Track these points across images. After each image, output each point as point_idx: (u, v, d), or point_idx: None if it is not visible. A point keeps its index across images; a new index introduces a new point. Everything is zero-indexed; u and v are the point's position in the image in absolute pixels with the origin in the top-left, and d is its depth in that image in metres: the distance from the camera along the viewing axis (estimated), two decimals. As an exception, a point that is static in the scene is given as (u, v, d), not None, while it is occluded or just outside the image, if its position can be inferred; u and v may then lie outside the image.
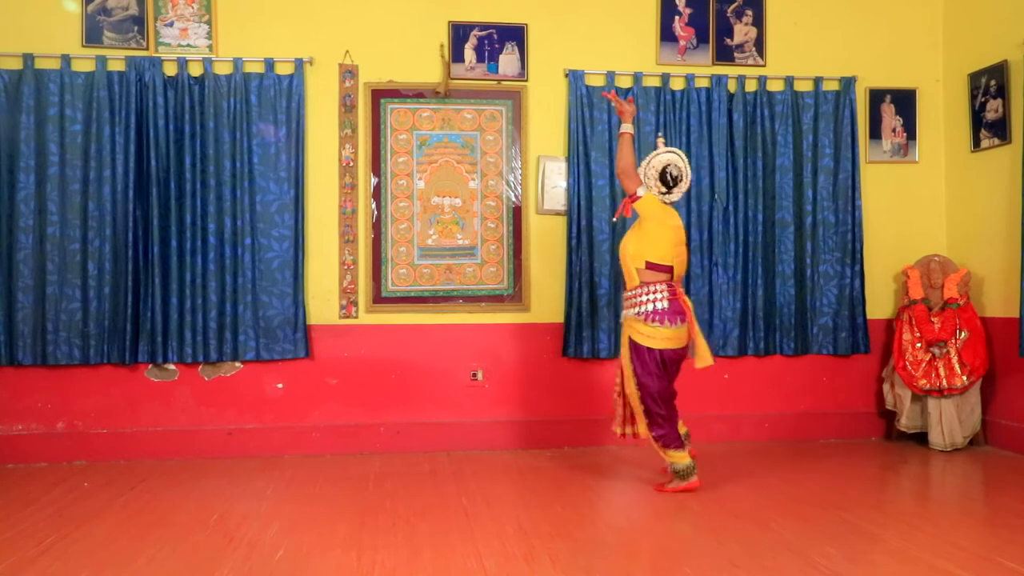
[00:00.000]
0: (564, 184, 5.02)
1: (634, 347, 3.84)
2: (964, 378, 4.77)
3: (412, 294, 4.93)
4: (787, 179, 5.16)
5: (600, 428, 5.01)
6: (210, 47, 4.79)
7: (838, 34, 5.27)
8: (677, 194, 3.93)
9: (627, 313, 3.87)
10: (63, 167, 4.62)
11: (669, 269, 3.83)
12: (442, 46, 4.95)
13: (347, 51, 4.91)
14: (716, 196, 5.07)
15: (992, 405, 4.93)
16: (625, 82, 5.06)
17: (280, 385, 4.83)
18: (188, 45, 4.78)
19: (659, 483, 3.99)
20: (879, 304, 5.29)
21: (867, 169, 5.27)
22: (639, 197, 3.82)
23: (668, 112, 5.04)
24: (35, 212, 4.59)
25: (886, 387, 5.12)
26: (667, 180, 3.86)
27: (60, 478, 4.24)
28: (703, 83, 5.12)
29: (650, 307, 3.78)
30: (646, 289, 3.81)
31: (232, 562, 2.93)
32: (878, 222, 5.28)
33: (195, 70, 4.77)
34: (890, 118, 5.31)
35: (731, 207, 5.09)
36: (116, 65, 4.68)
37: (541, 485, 4.07)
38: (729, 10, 5.17)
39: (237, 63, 4.75)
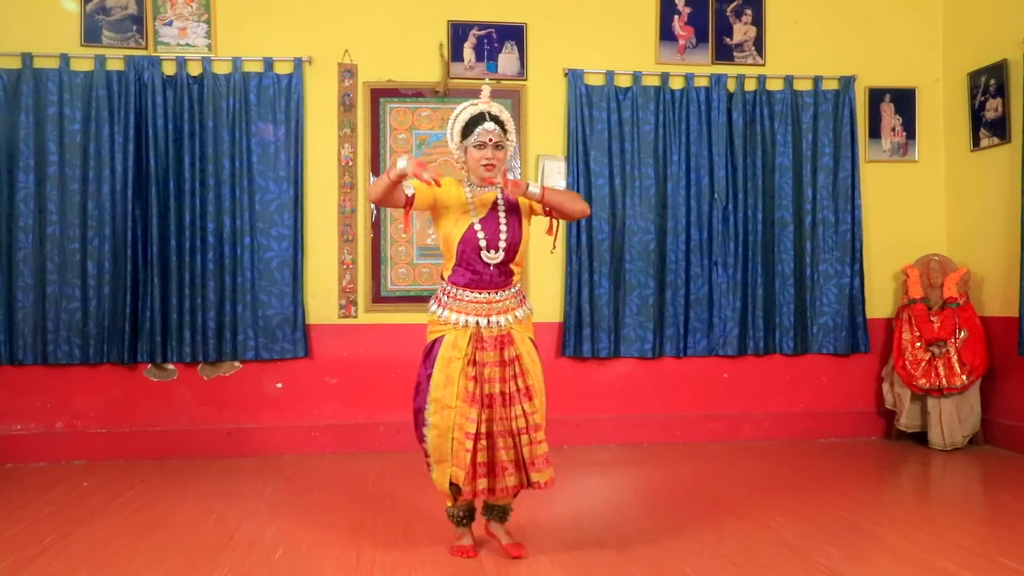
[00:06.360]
0: (563, 183, 5.01)
1: (537, 352, 3.02)
2: (963, 377, 4.77)
3: (412, 293, 4.92)
4: (787, 178, 5.15)
5: (599, 427, 5.01)
6: (209, 46, 4.78)
7: (837, 33, 5.27)
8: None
9: (517, 315, 2.95)
10: (62, 166, 4.61)
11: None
12: (441, 45, 4.94)
13: (346, 50, 4.90)
14: (716, 195, 5.06)
15: (992, 404, 4.93)
16: (624, 81, 5.06)
17: (279, 385, 4.82)
18: (187, 44, 4.78)
19: (516, 543, 3.02)
20: (879, 303, 5.29)
21: (867, 168, 5.26)
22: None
23: (667, 111, 5.03)
24: (35, 212, 4.58)
25: (886, 386, 5.12)
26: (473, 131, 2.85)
27: (59, 478, 4.24)
28: (702, 82, 5.11)
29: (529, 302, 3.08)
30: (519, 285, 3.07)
31: (231, 562, 2.93)
32: (878, 221, 5.28)
33: (194, 69, 4.76)
34: (889, 117, 5.30)
35: (731, 206, 5.08)
36: (115, 64, 4.68)
37: (541, 484, 4.07)
38: (728, 9, 5.16)
39: (236, 62, 4.74)
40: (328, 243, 4.88)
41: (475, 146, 2.86)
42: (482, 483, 2.86)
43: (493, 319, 2.89)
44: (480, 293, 2.90)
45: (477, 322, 2.88)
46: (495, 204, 2.92)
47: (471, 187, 2.93)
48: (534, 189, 2.84)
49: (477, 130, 2.85)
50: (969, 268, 5.01)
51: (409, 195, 2.82)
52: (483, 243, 2.87)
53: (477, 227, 2.88)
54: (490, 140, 2.85)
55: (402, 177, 2.69)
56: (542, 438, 2.86)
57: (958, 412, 4.80)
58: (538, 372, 2.95)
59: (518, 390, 2.87)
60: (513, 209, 2.95)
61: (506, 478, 2.84)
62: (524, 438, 2.84)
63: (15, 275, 4.57)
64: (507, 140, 2.91)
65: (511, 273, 2.96)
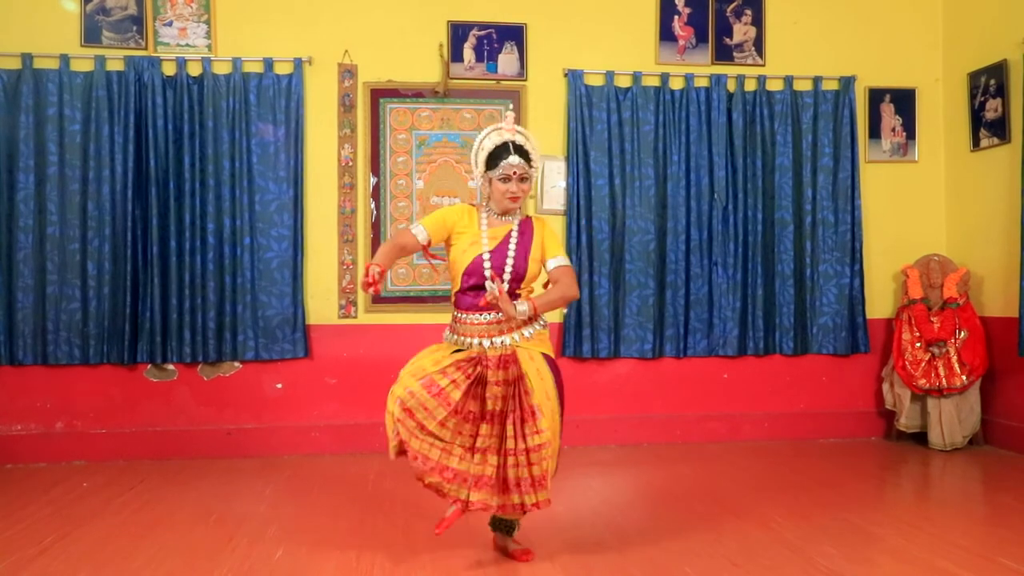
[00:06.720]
0: (563, 184, 5.02)
1: (553, 367, 2.92)
2: (963, 378, 4.77)
3: (411, 294, 4.92)
4: (786, 179, 5.15)
5: (599, 427, 5.01)
6: (209, 47, 4.78)
7: (837, 33, 5.27)
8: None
9: (524, 333, 2.91)
10: (62, 167, 4.61)
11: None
12: (441, 46, 4.94)
13: (346, 51, 4.91)
14: (716, 196, 5.06)
15: (991, 405, 4.93)
16: (624, 81, 5.06)
17: (279, 385, 4.82)
18: (187, 45, 4.78)
19: (523, 549, 3.01)
20: (879, 303, 5.29)
21: (866, 169, 5.27)
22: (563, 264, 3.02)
23: (667, 112, 5.04)
24: (34, 212, 4.58)
25: (886, 387, 5.12)
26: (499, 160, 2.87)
27: (59, 478, 4.24)
28: (702, 83, 5.11)
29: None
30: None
31: (231, 562, 2.93)
32: (878, 222, 5.28)
33: (194, 70, 4.76)
34: (889, 117, 5.30)
35: (730, 207, 5.08)
36: (115, 65, 4.68)
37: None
38: (728, 9, 5.16)
39: (236, 63, 4.75)
40: (328, 243, 4.88)
41: (500, 179, 2.86)
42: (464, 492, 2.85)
43: (497, 339, 2.87)
44: (483, 315, 2.88)
45: (481, 343, 2.87)
46: (508, 236, 2.90)
47: (488, 214, 2.94)
48: (523, 308, 2.80)
49: (502, 164, 2.85)
50: (969, 268, 5.01)
51: (423, 242, 2.90)
52: (488, 274, 2.85)
53: (485, 257, 2.86)
54: (515, 174, 2.85)
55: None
56: (547, 455, 2.77)
57: (958, 412, 4.80)
58: (548, 389, 2.84)
59: (514, 410, 2.81)
60: (525, 243, 2.92)
61: (481, 491, 2.78)
62: (511, 459, 2.77)
63: (15, 275, 4.57)
64: (532, 169, 2.90)
65: (517, 296, 2.92)
